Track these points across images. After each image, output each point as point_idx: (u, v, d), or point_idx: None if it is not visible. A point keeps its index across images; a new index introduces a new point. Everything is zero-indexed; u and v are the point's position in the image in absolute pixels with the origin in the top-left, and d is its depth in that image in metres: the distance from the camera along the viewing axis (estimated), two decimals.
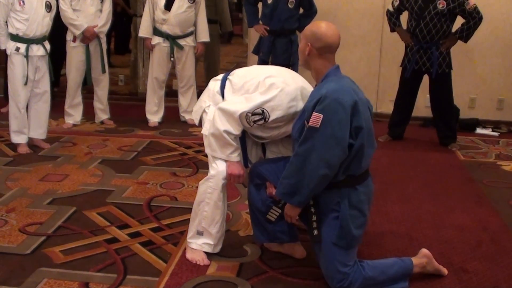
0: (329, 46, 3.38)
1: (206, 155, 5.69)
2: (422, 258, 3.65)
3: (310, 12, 7.01)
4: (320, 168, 3.19)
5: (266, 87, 3.52)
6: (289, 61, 6.91)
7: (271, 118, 3.50)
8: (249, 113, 3.49)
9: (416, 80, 6.56)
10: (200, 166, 5.65)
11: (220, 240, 3.90)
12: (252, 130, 3.72)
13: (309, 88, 3.63)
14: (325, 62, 3.41)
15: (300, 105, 3.51)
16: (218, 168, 3.73)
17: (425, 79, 6.57)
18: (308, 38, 3.39)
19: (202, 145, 6.21)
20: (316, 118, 3.18)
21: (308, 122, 3.21)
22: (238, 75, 3.76)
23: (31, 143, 6.21)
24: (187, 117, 7.30)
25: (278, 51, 6.95)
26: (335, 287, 3.42)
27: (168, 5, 6.86)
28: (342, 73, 3.46)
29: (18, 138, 6.11)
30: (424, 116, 7.32)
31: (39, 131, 6.23)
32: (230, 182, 3.78)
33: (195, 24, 7.11)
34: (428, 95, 6.73)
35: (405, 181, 5.49)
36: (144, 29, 7.10)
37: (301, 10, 7.04)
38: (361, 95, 3.35)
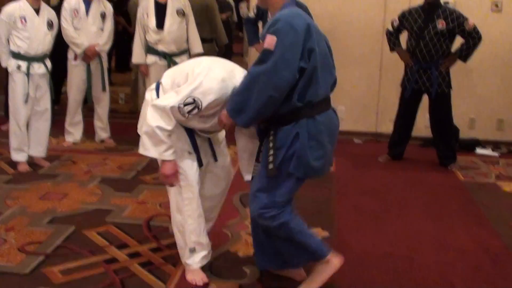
0: None
1: None
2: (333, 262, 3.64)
3: None
4: (267, 90, 3.19)
5: (193, 76, 3.52)
6: None
7: (204, 104, 3.46)
8: (181, 104, 3.47)
9: (415, 99, 6.57)
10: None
11: (209, 243, 3.94)
12: (190, 123, 3.67)
13: (240, 68, 3.68)
14: None
15: (231, 85, 3.49)
16: (187, 178, 3.76)
17: (425, 98, 6.57)
18: None
19: None
20: (270, 40, 3.18)
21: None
22: (167, 75, 3.77)
23: (31, 161, 6.21)
24: None
25: None
26: (257, 212, 3.54)
27: (160, 24, 6.86)
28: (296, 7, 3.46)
29: (18, 156, 6.11)
30: (424, 136, 7.31)
31: (39, 149, 6.23)
32: (162, 181, 3.81)
33: (187, 40, 7.08)
34: (427, 115, 6.72)
35: (405, 202, 5.48)
36: (137, 56, 7.04)
37: None
38: (314, 24, 3.39)
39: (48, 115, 6.21)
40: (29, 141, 6.15)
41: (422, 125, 7.14)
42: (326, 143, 3.44)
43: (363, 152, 7.19)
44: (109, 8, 6.99)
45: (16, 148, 6.08)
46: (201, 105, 3.46)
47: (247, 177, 3.81)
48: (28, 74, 5.93)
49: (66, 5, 6.75)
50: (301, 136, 3.33)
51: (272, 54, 3.17)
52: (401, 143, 6.78)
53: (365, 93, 7.73)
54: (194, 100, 3.45)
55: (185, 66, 3.75)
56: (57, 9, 6.75)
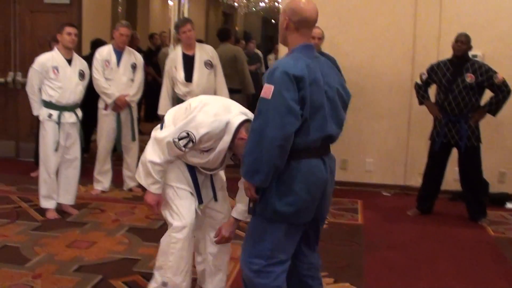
0: (306, 20, 3.38)
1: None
2: None
3: None
4: (275, 141, 3.11)
5: (190, 110, 3.69)
6: None
7: (198, 137, 3.60)
8: (175, 139, 3.64)
9: (445, 153, 6.53)
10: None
11: None
12: (190, 159, 3.81)
13: (238, 105, 3.82)
14: (300, 37, 3.38)
15: (225, 119, 3.60)
16: (182, 219, 3.84)
17: (454, 152, 6.54)
18: (286, 13, 3.40)
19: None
20: (267, 90, 3.16)
21: None
22: (170, 113, 3.93)
23: (60, 209, 6.25)
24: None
25: None
26: (243, 261, 3.46)
27: (189, 77, 6.93)
28: (314, 52, 3.42)
29: (47, 203, 6.16)
30: (453, 189, 7.22)
31: (68, 197, 6.27)
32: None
33: (215, 90, 7.11)
34: (456, 168, 6.67)
35: (434, 258, 5.40)
36: (163, 107, 7.06)
37: None
38: (318, 74, 3.29)
39: (77, 163, 6.27)
40: (58, 189, 6.21)
41: (451, 179, 7.07)
42: (300, 190, 3.28)
43: (392, 205, 7.14)
44: (139, 59, 7.10)
45: (45, 195, 6.13)
46: (195, 138, 3.60)
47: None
48: (59, 123, 6.01)
49: (97, 56, 6.88)
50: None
51: (269, 103, 3.15)
52: (430, 197, 6.71)
53: (393, 146, 7.70)
54: (188, 134, 3.61)
55: (185, 103, 3.90)
56: (89, 59, 6.87)
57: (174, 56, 7.06)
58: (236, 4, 14.57)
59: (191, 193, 3.92)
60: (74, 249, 5.22)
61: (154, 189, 3.83)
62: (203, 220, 4.11)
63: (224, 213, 4.10)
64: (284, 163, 3.22)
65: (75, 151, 6.23)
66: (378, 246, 5.62)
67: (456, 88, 6.24)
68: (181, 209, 3.86)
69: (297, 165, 3.27)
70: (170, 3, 8.44)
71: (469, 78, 6.20)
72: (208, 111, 3.63)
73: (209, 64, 6.94)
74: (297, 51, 3.33)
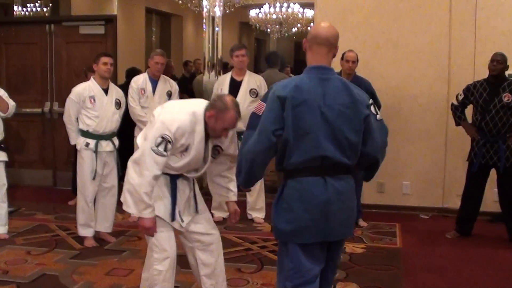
0: (316, 36, 3.46)
1: (271, 251, 5.69)
2: None
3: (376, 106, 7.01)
4: (249, 154, 3.33)
5: (154, 120, 3.89)
6: None
7: (172, 135, 3.77)
8: (154, 147, 3.75)
9: (483, 174, 6.45)
10: (265, 262, 5.59)
11: None
12: (173, 165, 3.94)
13: (199, 99, 4.09)
14: (313, 56, 3.46)
15: (190, 109, 3.90)
16: (163, 251, 3.95)
17: (493, 172, 6.45)
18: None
19: (267, 240, 6.22)
20: (259, 106, 3.34)
21: None
22: (139, 136, 4.12)
23: (98, 236, 6.29)
24: (254, 214, 7.20)
25: None
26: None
27: None
28: (323, 73, 3.44)
29: (85, 231, 6.20)
30: (493, 211, 7.12)
31: (105, 225, 6.31)
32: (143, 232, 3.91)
33: None
34: (495, 189, 6.58)
35: (474, 281, 5.31)
36: None
37: None
38: (312, 95, 3.32)
39: (115, 191, 6.30)
40: (96, 217, 6.25)
41: (490, 200, 6.97)
42: (297, 208, 3.35)
43: (430, 228, 7.05)
44: (174, 87, 7.15)
45: (83, 223, 6.18)
46: (170, 137, 3.75)
47: None
48: (96, 151, 6.06)
49: (133, 84, 6.94)
50: (276, 197, 3.46)
51: (259, 118, 3.31)
52: (469, 219, 6.61)
53: (430, 168, 7.63)
54: (162, 137, 3.74)
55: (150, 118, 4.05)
56: (124, 88, 6.94)
57: (223, 79, 7.16)
58: (268, 30, 14.62)
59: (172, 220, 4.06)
60: (113, 277, 5.24)
61: (147, 214, 3.84)
62: (191, 246, 4.22)
63: (210, 234, 4.23)
64: (261, 174, 3.47)
65: (113, 179, 6.28)
66: (417, 270, 5.55)
67: (493, 108, 6.18)
68: (161, 241, 3.95)
69: (294, 183, 3.38)
70: (204, 30, 8.50)
71: (506, 98, 6.14)
72: (170, 109, 3.91)
73: (254, 93, 6.95)
74: (306, 71, 3.43)
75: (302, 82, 3.35)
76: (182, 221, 4.09)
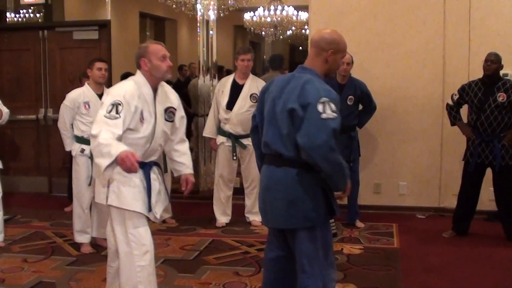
0: (311, 38, 3.76)
1: None
2: None
3: (370, 109, 7.04)
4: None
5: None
6: (350, 157, 6.89)
7: (121, 99, 3.91)
8: (106, 114, 3.85)
9: (479, 173, 6.46)
10: (262, 265, 5.58)
11: None
12: (138, 134, 4.05)
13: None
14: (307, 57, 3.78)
15: (130, 79, 4.15)
16: (142, 246, 3.93)
17: (489, 171, 6.45)
18: None
19: (264, 243, 6.19)
20: None
21: None
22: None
23: (94, 243, 6.27)
24: (251, 218, 7.19)
25: (339, 147, 6.89)
26: None
27: (230, 105, 6.95)
28: (299, 70, 3.73)
29: (82, 238, 6.18)
30: (489, 209, 7.12)
31: (102, 231, 6.26)
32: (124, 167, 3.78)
33: None
34: (491, 188, 6.58)
35: (472, 280, 5.31)
36: (207, 129, 7.25)
37: (361, 107, 7.07)
38: (274, 88, 3.71)
39: None
40: (92, 223, 6.23)
41: (486, 199, 6.97)
42: (261, 193, 3.79)
43: (427, 227, 7.05)
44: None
45: (80, 230, 6.16)
46: (121, 101, 3.89)
47: None
48: (91, 157, 6.04)
49: None
50: None
51: None
52: (466, 218, 6.62)
53: (427, 168, 7.64)
54: (112, 104, 3.87)
55: None
56: None
57: (225, 81, 7.17)
58: (263, 33, 14.61)
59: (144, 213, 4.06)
60: None
61: (117, 152, 3.71)
62: None
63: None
64: (257, 153, 3.97)
65: None
66: (415, 270, 5.55)
67: (488, 108, 6.18)
68: (139, 236, 3.95)
69: (263, 170, 3.82)
70: (198, 34, 8.49)
71: (501, 97, 6.15)
72: (116, 86, 4.13)
73: (254, 97, 6.92)
74: (297, 71, 3.75)
75: (279, 78, 3.74)
76: (156, 212, 4.13)
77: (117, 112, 3.84)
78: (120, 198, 4.00)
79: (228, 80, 7.12)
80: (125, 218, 4.00)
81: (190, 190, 4.41)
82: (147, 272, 3.94)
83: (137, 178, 4.04)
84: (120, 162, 3.67)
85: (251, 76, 7.12)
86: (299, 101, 3.47)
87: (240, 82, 7.02)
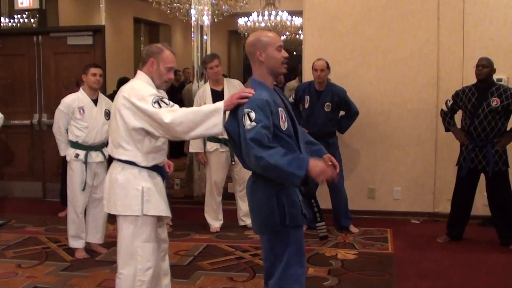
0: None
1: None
2: None
3: (350, 114, 7.07)
4: None
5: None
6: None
7: (156, 94, 3.81)
8: (163, 105, 3.72)
9: (473, 179, 6.47)
10: (257, 270, 5.58)
11: None
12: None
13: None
14: None
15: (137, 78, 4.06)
16: (147, 261, 3.87)
17: (482, 177, 6.46)
18: None
19: (258, 248, 6.20)
20: None
21: None
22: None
23: (89, 248, 6.26)
24: (247, 221, 7.17)
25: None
26: None
27: None
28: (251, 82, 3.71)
29: (76, 243, 6.17)
30: (483, 215, 7.13)
31: (96, 236, 6.28)
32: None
33: None
34: (485, 193, 6.59)
35: (467, 285, 5.31)
36: (194, 144, 7.15)
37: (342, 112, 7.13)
38: None
39: None
40: (87, 228, 6.22)
41: (480, 204, 6.99)
42: None
43: (421, 232, 7.06)
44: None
45: (74, 235, 6.15)
46: (158, 95, 3.83)
47: None
48: (86, 162, 6.04)
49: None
50: None
51: None
52: (460, 223, 6.63)
53: (421, 173, 7.65)
54: (156, 101, 3.73)
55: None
56: (113, 97, 6.91)
57: (203, 93, 7.12)
58: None
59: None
60: None
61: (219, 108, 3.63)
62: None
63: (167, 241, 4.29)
64: None
65: (103, 190, 6.23)
66: (409, 275, 5.55)
67: (482, 113, 6.19)
68: (147, 252, 3.89)
69: None
70: (192, 39, 8.50)
71: (495, 102, 6.16)
72: (134, 87, 3.91)
73: None
74: None
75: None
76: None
77: (166, 104, 3.74)
78: (155, 206, 3.90)
79: (205, 91, 7.11)
80: (138, 230, 3.90)
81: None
82: (146, 287, 3.90)
83: (161, 184, 4.00)
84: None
85: (225, 80, 7.16)
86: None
87: (218, 88, 7.05)
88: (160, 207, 3.92)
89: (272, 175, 3.36)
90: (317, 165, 3.34)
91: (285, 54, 3.60)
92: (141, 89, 3.82)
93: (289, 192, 3.49)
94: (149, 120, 3.72)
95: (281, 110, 3.48)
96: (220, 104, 3.59)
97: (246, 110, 3.37)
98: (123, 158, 3.85)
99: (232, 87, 7.00)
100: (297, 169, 3.29)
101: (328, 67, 6.91)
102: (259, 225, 3.60)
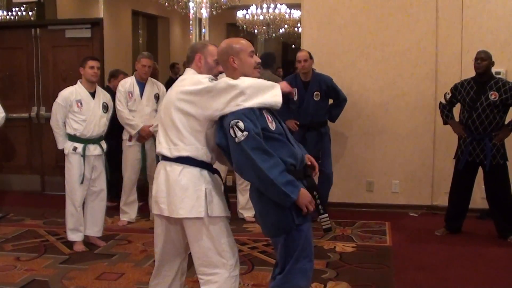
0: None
1: (261, 252, 5.69)
2: None
3: (339, 101, 7.10)
4: None
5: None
6: (318, 153, 6.94)
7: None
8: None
9: (470, 172, 6.47)
10: (255, 263, 5.59)
11: None
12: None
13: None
14: None
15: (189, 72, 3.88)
16: (234, 255, 3.75)
17: (481, 170, 6.47)
18: None
19: (257, 241, 6.22)
20: None
21: None
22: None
23: (87, 241, 6.27)
24: (245, 214, 7.25)
25: (310, 144, 6.92)
26: None
27: None
28: None
29: (74, 236, 6.17)
30: (481, 207, 7.14)
31: (95, 229, 6.28)
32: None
33: None
34: (483, 186, 6.60)
35: (465, 278, 5.32)
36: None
37: (331, 101, 7.14)
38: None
39: (103, 195, 6.29)
40: (85, 221, 6.22)
41: (478, 197, 7.00)
42: None
43: (419, 225, 7.07)
44: (162, 89, 7.13)
45: (72, 228, 6.15)
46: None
47: None
48: (84, 155, 6.04)
49: (120, 88, 6.93)
50: None
51: None
52: (458, 216, 6.63)
53: (419, 166, 7.66)
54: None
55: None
56: (111, 91, 6.92)
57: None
58: (256, 31, 14.61)
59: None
60: (103, 281, 5.21)
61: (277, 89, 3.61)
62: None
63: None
64: None
65: (101, 183, 6.25)
66: (407, 268, 5.56)
67: (480, 106, 6.19)
68: (232, 245, 3.77)
69: None
70: (191, 32, 8.49)
71: (493, 96, 6.16)
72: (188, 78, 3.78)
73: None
74: None
75: None
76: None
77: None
78: (219, 207, 3.77)
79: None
80: (215, 228, 3.75)
81: None
82: (237, 282, 3.77)
83: (221, 184, 3.90)
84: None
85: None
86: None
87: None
88: (223, 207, 3.79)
89: (263, 188, 3.40)
90: (307, 196, 3.41)
91: (258, 60, 3.62)
92: (193, 77, 3.73)
93: None
94: (209, 96, 3.55)
95: (264, 111, 3.48)
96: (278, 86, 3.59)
97: (233, 122, 3.35)
98: (184, 154, 3.68)
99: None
100: (291, 192, 3.33)
101: (311, 57, 6.94)
102: (270, 229, 3.58)
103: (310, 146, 6.90)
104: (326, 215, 3.65)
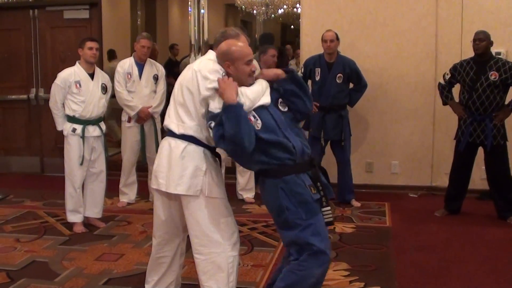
0: None
1: (260, 233, 5.69)
2: None
3: (360, 87, 7.03)
4: None
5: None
6: (340, 136, 6.91)
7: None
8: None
9: (470, 152, 6.46)
10: (255, 244, 5.59)
11: None
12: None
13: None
14: None
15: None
16: (234, 234, 3.79)
17: (480, 151, 6.46)
18: None
19: (256, 222, 6.23)
20: None
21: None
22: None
23: (87, 222, 6.27)
24: (245, 195, 7.27)
25: (329, 126, 6.92)
26: None
27: None
28: None
29: (74, 217, 6.18)
30: (480, 188, 7.15)
31: (94, 210, 6.29)
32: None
33: None
34: (483, 167, 6.60)
35: (464, 258, 5.33)
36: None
37: (352, 85, 7.07)
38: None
39: (103, 177, 6.29)
40: (85, 203, 6.23)
41: (478, 178, 7.00)
42: None
43: (419, 206, 7.08)
44: (161, 70, 7.10)
45: (72, 209, 6.16)
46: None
47: None
48: (83, 137, 6.03)
49: (119, 69, 6.90)
50: None
51: None
52: (458, 197, 6.64)
53: (418, 147, 7.65)
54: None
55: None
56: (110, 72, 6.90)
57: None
58: (254, 11, 14.55)
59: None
60: (103, 262, 5.22)
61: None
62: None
63: None
64: None
65: (101, 164, 6.25)
66: (407, 249, 5.57)
67: (480, 87, 6.17)
68: (231, 225, 3.79)
69: None
70: (189, 12, 8.44)
71: (493, 76, 6.14)
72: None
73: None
74: None
75: None
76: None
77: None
78: (218, 188, 3.78)
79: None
80: (214, 207, 3.76)
81: None
82: (237, 262, 3.78)
83: (219, 167, 3.90)
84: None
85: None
86: None
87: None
88: (221, 189, 3.80)
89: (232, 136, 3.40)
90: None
91: (253, 68, 3.63)
92: (207, 64, 3.69)
93: (291, 187, 3.53)
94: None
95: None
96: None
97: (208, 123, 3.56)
98: (189, 133, 3.69)
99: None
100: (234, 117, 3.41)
101: (337, 38, 6.87)
102: (278, 223, 3.64)
103: (329, 129, 6.89)
104: (329, 208, 3.65)
